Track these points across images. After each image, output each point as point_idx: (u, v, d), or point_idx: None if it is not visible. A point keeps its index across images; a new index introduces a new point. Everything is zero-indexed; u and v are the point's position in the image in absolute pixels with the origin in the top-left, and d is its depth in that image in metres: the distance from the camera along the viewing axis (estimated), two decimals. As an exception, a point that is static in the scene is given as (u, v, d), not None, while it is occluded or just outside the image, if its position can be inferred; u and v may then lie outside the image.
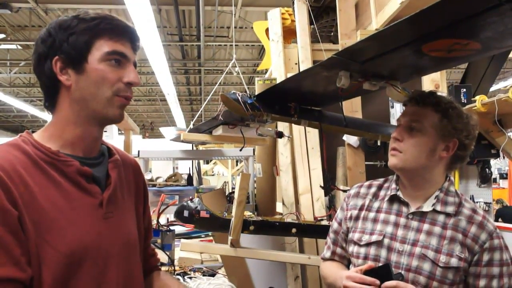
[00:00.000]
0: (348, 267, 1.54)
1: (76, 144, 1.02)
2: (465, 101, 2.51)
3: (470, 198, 2.76)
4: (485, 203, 2.80)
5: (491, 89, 3.69)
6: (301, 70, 2.92)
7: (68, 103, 1.01)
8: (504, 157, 2.68)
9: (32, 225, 0.88)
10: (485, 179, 2.81)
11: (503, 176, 9.49)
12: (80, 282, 0.93)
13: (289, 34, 3.33)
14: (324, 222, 2.38)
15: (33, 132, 1.02)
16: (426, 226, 1.37)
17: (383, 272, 1.27)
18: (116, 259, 1.02)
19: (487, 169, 2.79)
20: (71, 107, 1.01)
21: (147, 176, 3.45)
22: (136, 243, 1.12)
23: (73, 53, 0.98)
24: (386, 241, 1.39)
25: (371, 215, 1.47)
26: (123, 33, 1.03)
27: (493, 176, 8.07)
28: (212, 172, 10.16)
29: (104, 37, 1.00)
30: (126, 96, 1.03)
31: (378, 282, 1.24)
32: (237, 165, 8.06)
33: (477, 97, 2.24)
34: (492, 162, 2.98)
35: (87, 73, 0.99)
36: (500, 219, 5.30)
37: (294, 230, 2.29)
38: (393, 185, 1.47)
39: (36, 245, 0.88)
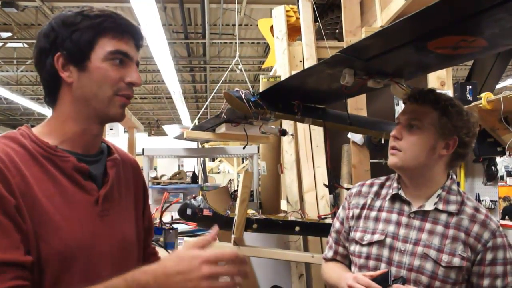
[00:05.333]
0: (349, 267, 1.53)
1: (75, 140, 1.01)
2: (471, 99, 2.48)
3: (476, 196, 2.73)
4: (491, 201, 2.77)
5: (497, 86, 3.66)
6: (305, 67, 2.90)
7: (70, 100, 1.01)
8: (510, 155, 2.66)
9: (29, 215, 0.88)
10: (491, 177, 2.77)
11: (510, 174, 9.42)
12: (72, 279, 0.92)
13: (293, 31, 3.31)
14: (328, 220, 2.37)
15: (32, 126, 1.02)
16: (428, 225, 1.35)
17: (382, 279, 1.27)
18: (110, 257, 1.01)
19: (493, 167, 2.76)
20: (72, 104, 1.01)
21: (151, 174, 3.45)
22: (133, 242, 1.11)
23: (76, 50, 0.97)
24: (388, 240, 1.39)
25: (373, 214, 1.46)
26: (127, 31, 1.03)
27: (500, 174, 8.02)
28: (218, 169, 10.15)
29: (107, 36, 0.99)
30: (127, 95, 1.03)
31: None
32: (242, 162, 8.05)
33: (482, 95, 2.21)
34: (499, 159, 2.96)
35: (89, 72, 0.99)
36: (506, 217, 5.28)
37: (297, 228, 2.28)
38: (395, 184, 1.46)
39: (34, 237, 0.88)
